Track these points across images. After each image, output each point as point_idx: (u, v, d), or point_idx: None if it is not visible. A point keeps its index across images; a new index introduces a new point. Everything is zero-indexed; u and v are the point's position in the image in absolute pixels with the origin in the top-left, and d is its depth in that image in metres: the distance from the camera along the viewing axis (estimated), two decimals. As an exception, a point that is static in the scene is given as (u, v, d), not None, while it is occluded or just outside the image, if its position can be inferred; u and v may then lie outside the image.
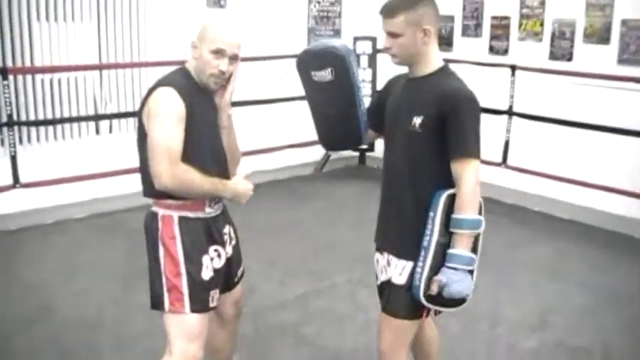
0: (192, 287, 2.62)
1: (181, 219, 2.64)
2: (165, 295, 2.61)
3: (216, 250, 2.73)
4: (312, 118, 2.90)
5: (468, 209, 2.43)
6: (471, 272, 2.48)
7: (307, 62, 2.78)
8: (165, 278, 2.61)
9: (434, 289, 2.43)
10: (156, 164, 2.49)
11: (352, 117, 2.76)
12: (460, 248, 2.43)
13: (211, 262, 2.70)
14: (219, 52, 2.59)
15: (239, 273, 2.94)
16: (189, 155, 2.54)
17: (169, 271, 2.61)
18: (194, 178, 2.53)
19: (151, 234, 2.67)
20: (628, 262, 5.33)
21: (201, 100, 2.65)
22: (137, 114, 2.65)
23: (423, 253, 2.49)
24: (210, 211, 2.72)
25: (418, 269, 2.49)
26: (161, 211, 2.65)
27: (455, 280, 2.41)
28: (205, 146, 2.67)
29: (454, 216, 2.45)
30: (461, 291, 2.43)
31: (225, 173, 2.76)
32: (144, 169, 2.63)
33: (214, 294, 2.72)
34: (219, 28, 2.63)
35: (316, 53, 2.77)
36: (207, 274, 2.67)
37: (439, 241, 2.46)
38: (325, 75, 2.69)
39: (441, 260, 2.45)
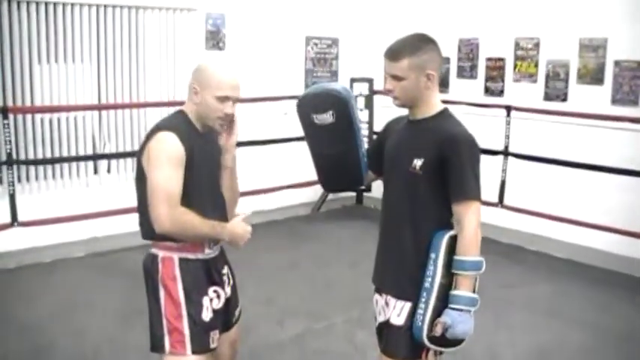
0: (193, 329, 2.62)
1: (182, 260, 2.65)
2: (166, 337, 2.61)
3: (215, 291, 2.75)
4: (312, 160, 2.92)
5: (471, 251, 2.46)
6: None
7: (308, 105, 2.80)
8: (165, 320, 2.61)
9: (438, 331, 2.43)
10: (155, 208, 2.50)
11: (353, 158, 2.79)
12: (463, 289, 2.45)
13: (211, 303, 2.71)
14: (225, 99, 2.63)
15: (236, 313, 2.95)
16: (189, 199, 2.56)
17: (170, 313, 2.61)
18: (193, 221, 2.54)
19: (150, 276, 2.68)
20: (626, 301, 5.33)
21: (201, 144, 2.67)
22: (136, 157, 2.67)
23: (425, 294, 2.50)
24: (209, 252, 2.74)
25: (420, 310, 2.50)
26: (161, 253, 2.66)
27: (460, 322, 2.42)
28: (204, 190, 2.70)
29: (457, 257, 2.47)
30: (465, 332, 2.45)
31: (223, 217, 2.78)
32: (142, 211, 2.64)
33: (214, 335, 2.72)
34: (223, 75, 2.65)
35: (318, 96, 2.79)
36: (207, 315, 2.68)
37: (441, 282, 2.48)
38: (327, 117, 2.71)
39: (443, 301, 2.47)
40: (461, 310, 2.43)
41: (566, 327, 4.79)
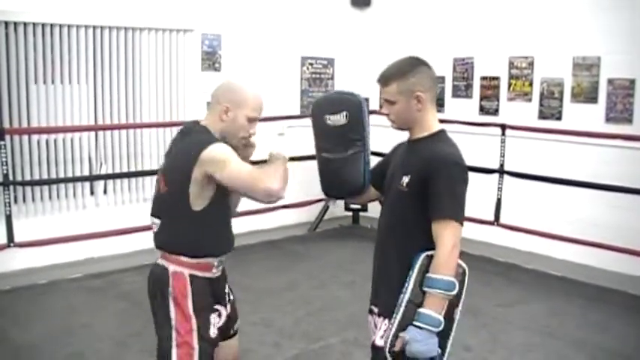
0: (202, 344, 2.68)
1: (191, 277, 2.71)
2: (174, 350, 2.65)
3: (217, 310, 2.81)
4: (317, 165, 2.94)
5: (442, 270, 2.43)
6: (443, 335, 2.46)
7: (323, 106, 2.90)
8: (175, 333, 2.66)
9: (397, 346, 2.42)
10: (262, 185, 2.59)
11: (358, 162, 2.81)
12: (429, 308, 2.42)
13: (215, 320, 2.77)
14: (254, 119, 2.83)
15: (235, 327, 3.01)
16: (219, 205, 2.70)
17: (181, 327, 2.66)
18: (272, 170, 2.71)
19: (161, 287, 2.72)
20: (623, 319, 5.32)
21: None
22: (181, 169, 2.67)
23: (396, 310, 2.50)
24: (215, 272, 2.81)
25: (390, 326, 2.50)
26: (171, 267, 2.71)
27: (417, 340, 2.38)
28: (227, 201, 2.81)
29: (428, 275, 2.45)
30: (422, 351, 2.39)
31: (230, 219, 2.89)
32: (168, 220, 2.72)
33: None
34: (256, 97, 2.87)
35: (334, 99, 2.93)
36: (213, 332, 2.74)
37: (410, 299, 2.47)
38: (340, 119, 2.79)
39: (410, 319, 2.45)
40: (421, 327, 2.40)
41: (562, 347, 4.77)
